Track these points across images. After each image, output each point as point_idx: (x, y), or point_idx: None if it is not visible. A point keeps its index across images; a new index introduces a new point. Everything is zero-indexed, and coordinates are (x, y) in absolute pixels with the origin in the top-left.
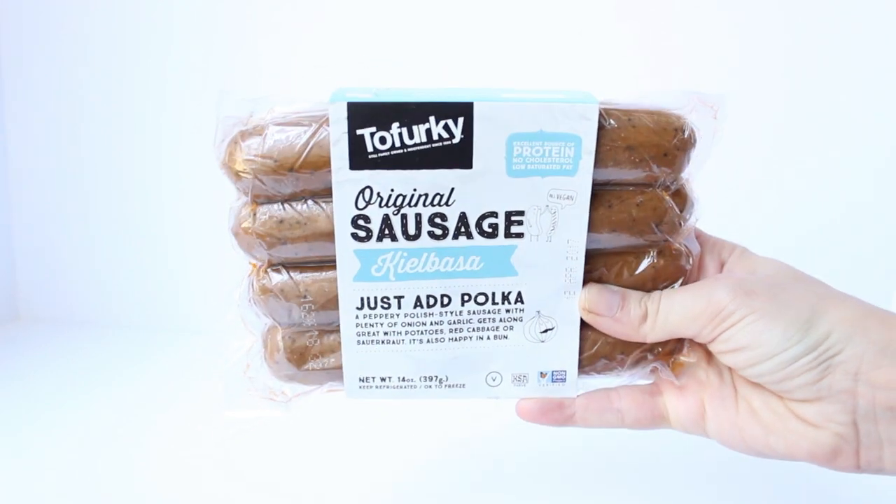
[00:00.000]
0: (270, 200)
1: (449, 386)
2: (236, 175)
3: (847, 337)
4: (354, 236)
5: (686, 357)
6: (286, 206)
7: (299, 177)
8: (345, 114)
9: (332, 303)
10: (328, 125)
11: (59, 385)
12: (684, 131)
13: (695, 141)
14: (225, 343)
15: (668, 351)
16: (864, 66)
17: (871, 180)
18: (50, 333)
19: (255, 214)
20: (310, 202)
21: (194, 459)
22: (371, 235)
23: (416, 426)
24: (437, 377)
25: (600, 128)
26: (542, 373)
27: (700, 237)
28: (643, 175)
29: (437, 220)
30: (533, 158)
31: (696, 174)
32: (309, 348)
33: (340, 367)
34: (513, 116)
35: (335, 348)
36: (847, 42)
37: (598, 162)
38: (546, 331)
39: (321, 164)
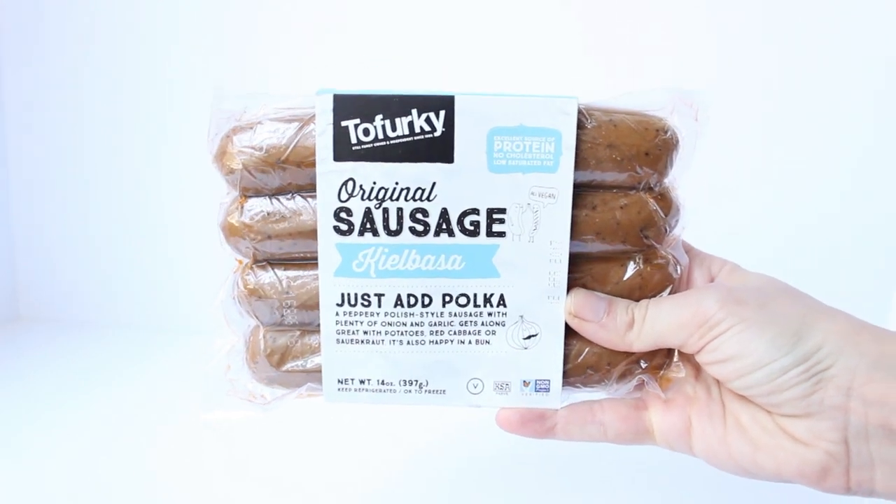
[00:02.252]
0: (259, 194)
1: (429, 391)
2: (227, 169)
3: (838, 349)
4: (336, 229)
5: (674, 372)
6: (273, 199)
7: (286, 169)
8: (330, 105)
9: (313, 300)
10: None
11: (59, 385)
12: (666, 131)
13: (677, 142)
14: (208, 342)
15: (657, 365)
16: (854, 65)
17: (862, 179)
18: (50, 333)
19: (242, 207)
20: (297, 197)
21: (194, 459)
22: (353, 229)
23: (403, 425)
24: (417, 381)
25: (581, 126)
26: (525, 381)
27: (690, 252)
28: (625, 176)
29: (419, 216)
30: (514, 154)
31: (681, 179)
32: (289, 348)
33: (320, 369)
34: (493, 110)
35: (315, 349)
36: (838, 42)
37: (580, 160)
38: (529, 337)
39: (308, 155)
